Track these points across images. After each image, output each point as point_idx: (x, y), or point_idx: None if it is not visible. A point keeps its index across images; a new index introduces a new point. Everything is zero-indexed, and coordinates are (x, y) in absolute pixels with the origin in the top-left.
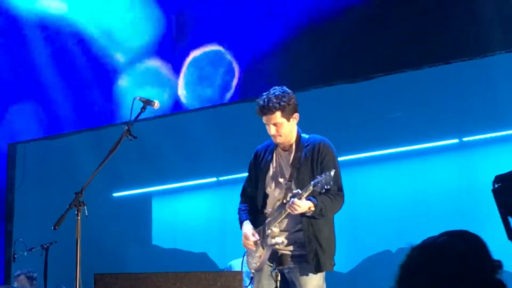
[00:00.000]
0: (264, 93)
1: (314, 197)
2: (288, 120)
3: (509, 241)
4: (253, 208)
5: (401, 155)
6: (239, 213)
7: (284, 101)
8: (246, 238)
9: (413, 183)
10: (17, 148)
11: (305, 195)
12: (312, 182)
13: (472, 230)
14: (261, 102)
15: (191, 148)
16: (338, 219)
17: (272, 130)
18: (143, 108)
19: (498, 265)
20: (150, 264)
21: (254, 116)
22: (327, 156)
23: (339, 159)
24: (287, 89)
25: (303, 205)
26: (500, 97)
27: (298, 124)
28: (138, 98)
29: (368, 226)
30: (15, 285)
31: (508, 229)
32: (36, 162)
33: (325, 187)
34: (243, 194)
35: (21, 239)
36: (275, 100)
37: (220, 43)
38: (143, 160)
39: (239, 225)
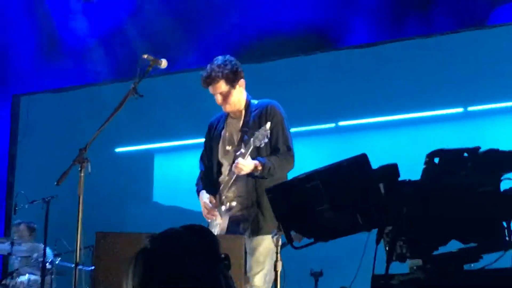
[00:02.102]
0: (208, 64)
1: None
2: (234, 87)
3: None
4: (210, 178)
5: (404, 122)
6: (196, 185)
7: (228, 69)
8: (205, 206)
9: (416, 151)
10: (21, 100)
11: (248, 153)
12: (251, 139)
13: None
14: (204, 73)
15: (195, 106)
16: None
17: (219, 99)
18: (150, 66)
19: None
20: (149, 221)
21: (256, 76)
22: (275, 117)
23: (343, 123)
24: (230, 57)
25: (248, 164)
26: (506, 68)
27: (306, 87)
28: (146, 56)
29: None
30: (15, 233)
31: (287, 236)
32: (39, 115)
33: (264, 140)
34: (200, 165)
35: (22, 191)
36: (217, 69)
37: None
38: (147, 117)
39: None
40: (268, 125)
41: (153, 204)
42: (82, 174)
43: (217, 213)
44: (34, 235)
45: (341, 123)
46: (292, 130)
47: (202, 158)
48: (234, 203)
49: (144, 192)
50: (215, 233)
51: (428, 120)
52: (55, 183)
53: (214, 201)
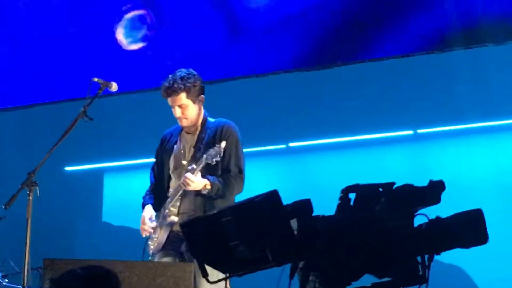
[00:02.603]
0: (170, 75)
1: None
2: (194, 102)
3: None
4: (160, 190)
5: (355, 143)
6: (143, 197)
7: (190, 83)
8: (142, 222)
9: (366, 172)
10: None
11: (198, 169)
12: (203, 156)
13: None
14: (166, 83)
15: (147, 126)
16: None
17: (177, 112)
18: (101, 89)
19: None
20: (99, 241)
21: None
22: (230, 138)
23: (295, 144)
24: (193, 71)
25: (197, 181)
26: (457, 91)
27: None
28: (96, 79)
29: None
30: None
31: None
32: None
33: (216, 158)
34: (151, 177)
35: None
36: (180, 81)
37: None
38: (98, 135)
39: None
40: (223, 144)
41: (102, 224)
42: (30, 198)
43: (150, 230)
44: None
45: (292, 144)
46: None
47: (153, 170)
48: (176, 219)
49: (94, 211)
50: (152, 246)
51: (378, 142)
52: (3, 206)
53: (154, 223)
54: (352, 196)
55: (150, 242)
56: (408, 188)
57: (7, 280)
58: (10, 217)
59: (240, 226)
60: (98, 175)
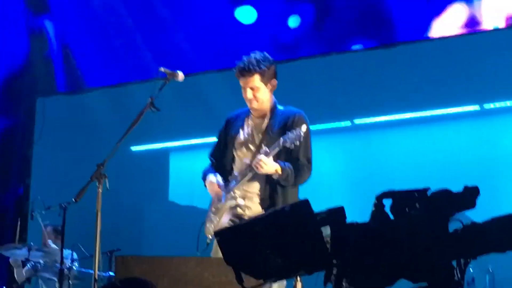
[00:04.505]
0: (245, 56)
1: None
2: (266, 85)
3: None
4: (221, 173)
5: (421, 120)
6: (203, 172)
7: (265, 65)
8: (212, 184)
9: (432, 150)
10: (36, 102)
11: (273, 152)
12: (281, 139)
13: (490, 200)
14: (241, 64)
15: (211, 106)
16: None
17: (248, 93)
18: (167, 80)
19: None
20: (166, 220)
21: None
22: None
23: (360, 121)
24: (268, 55)
25: (269, 164)
26: None
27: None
28: (162, 69)
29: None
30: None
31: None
32: (55, 117)
33: (295, 142)
34: (211, 159)
35: (39, 197)
36: (255, 63)
37: None
38: (163, 115)
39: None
40: (304, 128)
41: (169, 204)
42: (100, 190)
43: (218, 207)
44: (59, 238)
45: (357, 121)
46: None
47: (213, 151)
48: (242, 201)
49: (160, 191)
50: (211, 229)
51: (444, 118)
52: (73, 199)
53: (220, 182)
54: (386, 202)
55: (208, 225)
56: (443, 193)
57: (76, 264)
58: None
59: (271, 235)
60: (164, 154)
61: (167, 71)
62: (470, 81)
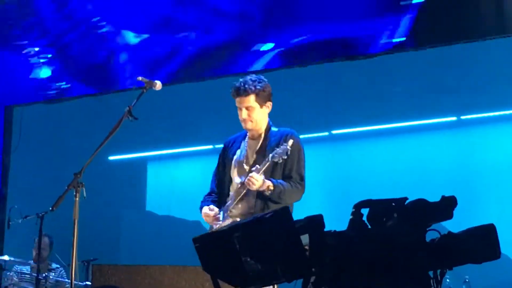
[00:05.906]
0: (241, 78)
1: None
2: (261, 106)
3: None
4: (221, 195)
5: (399, 130)
6: (201, 201)
7: (260, 86)
8: (207, 215)
9: (410, 160)
10: (13, 111)
11: (263, 168)
12: (270, 154)
13: (466, 209)
14: (237, 84)
15: (188, 115)
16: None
17: (244, 114)
18: (145, 88)
19: None
20: (143, 229)
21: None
22: (294, 145)
23: (338, 132)
24: (263, 77)
25: (261, 180)
26: (500, 78)
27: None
28: (140, 78)
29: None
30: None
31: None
32: (33, 126)
33: (283, 156)
34: (211, 184)
35: (16, 206)
36: (251, 83)
37: None
38: (141, 125)
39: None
40: (291, 142)
41: (146, 213)
42: (77, 199)
43: (219, 216)
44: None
45: (334, 132)
46: None
47: (215, 176)
48: (238, 220)
49: (138, 201)
50: None
51: (422, 128)
52: (50, 208)
53: (214, 209)
54: (364, 211)
55: None
56: (420, 204)
57: (53, 273)
58: (55, 210)
59: (251, 242)
60: (142, 164)
61: (145, 80)
62: (447, 93)
